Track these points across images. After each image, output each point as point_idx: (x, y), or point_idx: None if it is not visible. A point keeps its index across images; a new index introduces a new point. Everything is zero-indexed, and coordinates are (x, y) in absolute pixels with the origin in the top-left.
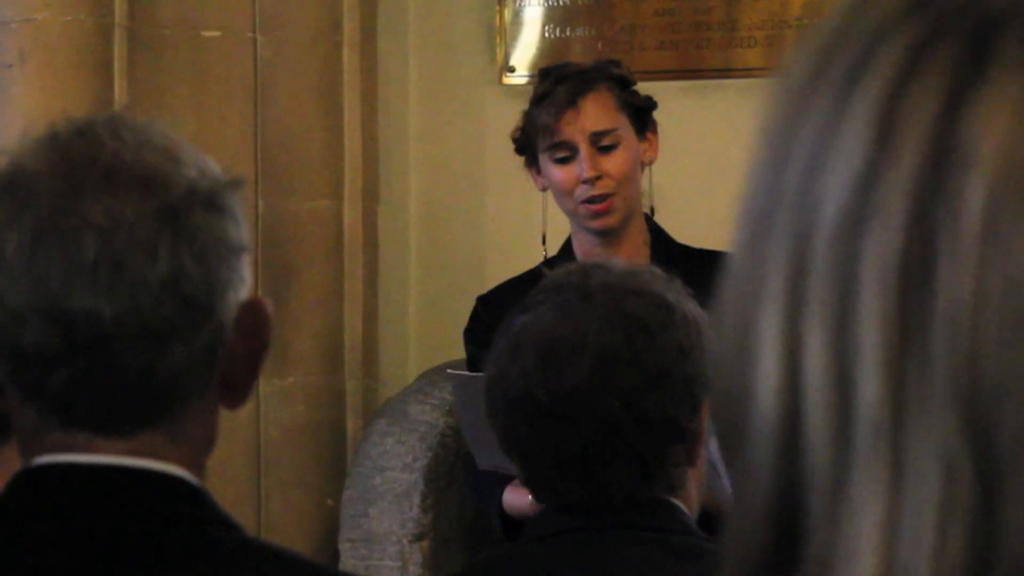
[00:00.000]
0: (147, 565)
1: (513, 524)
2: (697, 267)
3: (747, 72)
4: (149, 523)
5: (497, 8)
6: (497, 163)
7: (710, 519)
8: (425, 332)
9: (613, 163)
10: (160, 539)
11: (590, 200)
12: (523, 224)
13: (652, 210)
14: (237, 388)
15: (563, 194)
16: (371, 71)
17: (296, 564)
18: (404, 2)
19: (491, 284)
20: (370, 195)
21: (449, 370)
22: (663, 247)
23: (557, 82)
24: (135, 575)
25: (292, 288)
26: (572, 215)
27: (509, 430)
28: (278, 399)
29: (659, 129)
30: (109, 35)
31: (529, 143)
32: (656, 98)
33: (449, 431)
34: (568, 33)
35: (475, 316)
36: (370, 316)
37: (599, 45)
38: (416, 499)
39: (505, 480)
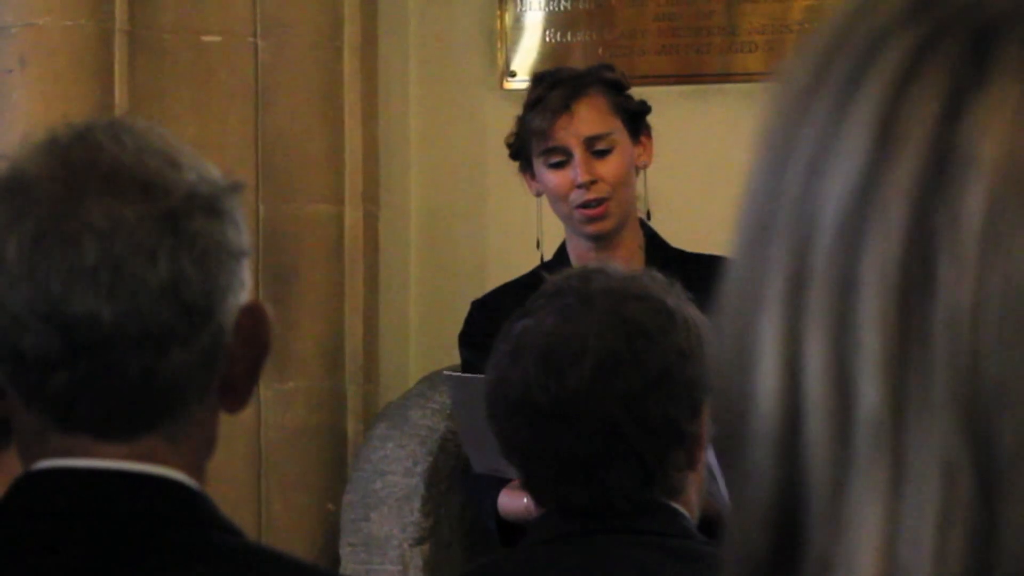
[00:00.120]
0: (147, 570)
1: (508, 528)
2: (692, 271)
3: (748, 77)
4: (149, 527)
5: (498, 12)
6: (498, 167)
7: (709, 524)
8: (426, 336)
9: (607, 167)
10: (159, 543)
11: (585, 205)
12: (524, 228)
13: (648, 214)
14: (237, 392)
15: (557, 199)
16: (371, 75)
17: (296, 568)
18: (405, 6)
19: (492, 288)
20: (371, 199)
21: (446, 371)
22: (658, 251)
23: (551, 87)
24: None
25: (292, 291)
26: (567, 220)
27: (510, 434)
28: (279, 403)
29: (660, 133)
30: (110, 40)
31: (523, 148)
32: (657, 103)
33: (450, 435)
34: (569, 38)
35: (469, 320)
36: (371, 320)
37: (600, 50)
38: (417, 503)
39: (501, 483)
